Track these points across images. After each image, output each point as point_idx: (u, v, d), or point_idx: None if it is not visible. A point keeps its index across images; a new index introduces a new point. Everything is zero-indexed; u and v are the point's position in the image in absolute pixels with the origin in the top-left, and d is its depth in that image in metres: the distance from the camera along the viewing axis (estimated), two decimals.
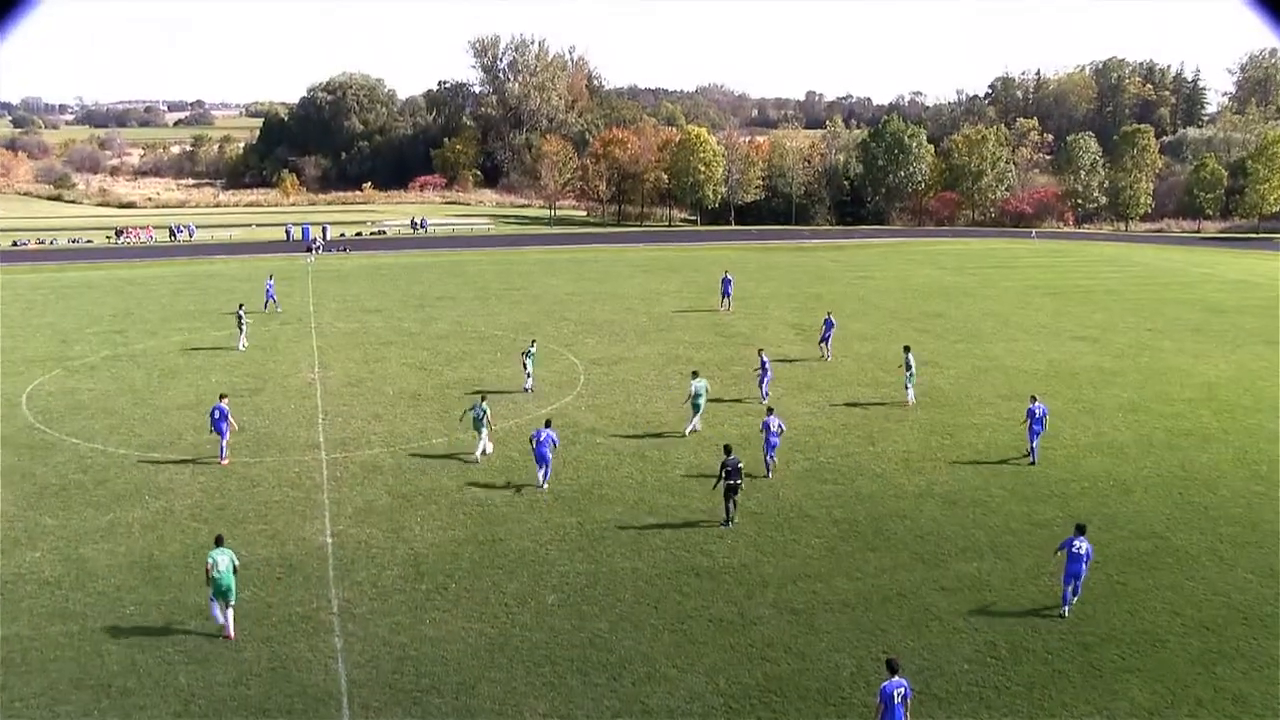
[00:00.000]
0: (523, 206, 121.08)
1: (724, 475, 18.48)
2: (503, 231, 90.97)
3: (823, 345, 33.61)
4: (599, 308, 44.04)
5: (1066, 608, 15.32)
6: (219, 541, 14.96)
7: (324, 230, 78.67)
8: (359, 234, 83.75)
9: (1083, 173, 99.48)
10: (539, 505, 19.71)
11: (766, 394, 27.56)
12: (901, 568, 16.99)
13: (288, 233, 79.23)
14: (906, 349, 28.74)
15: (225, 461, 22.08)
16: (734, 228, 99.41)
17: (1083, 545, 15.22)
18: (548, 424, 21.23)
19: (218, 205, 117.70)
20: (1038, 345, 36.40)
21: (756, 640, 14.61)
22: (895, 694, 11.60)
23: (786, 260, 65.25)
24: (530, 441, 21.05)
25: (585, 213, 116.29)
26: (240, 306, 36.48)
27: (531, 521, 18.88)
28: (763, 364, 27.97)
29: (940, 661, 14.02)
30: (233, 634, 14.44)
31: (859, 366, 32.40)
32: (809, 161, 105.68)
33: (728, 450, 19.23)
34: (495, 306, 44.35)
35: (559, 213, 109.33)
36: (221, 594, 14.48)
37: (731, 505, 18.56)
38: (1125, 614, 15.54)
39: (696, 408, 24.71)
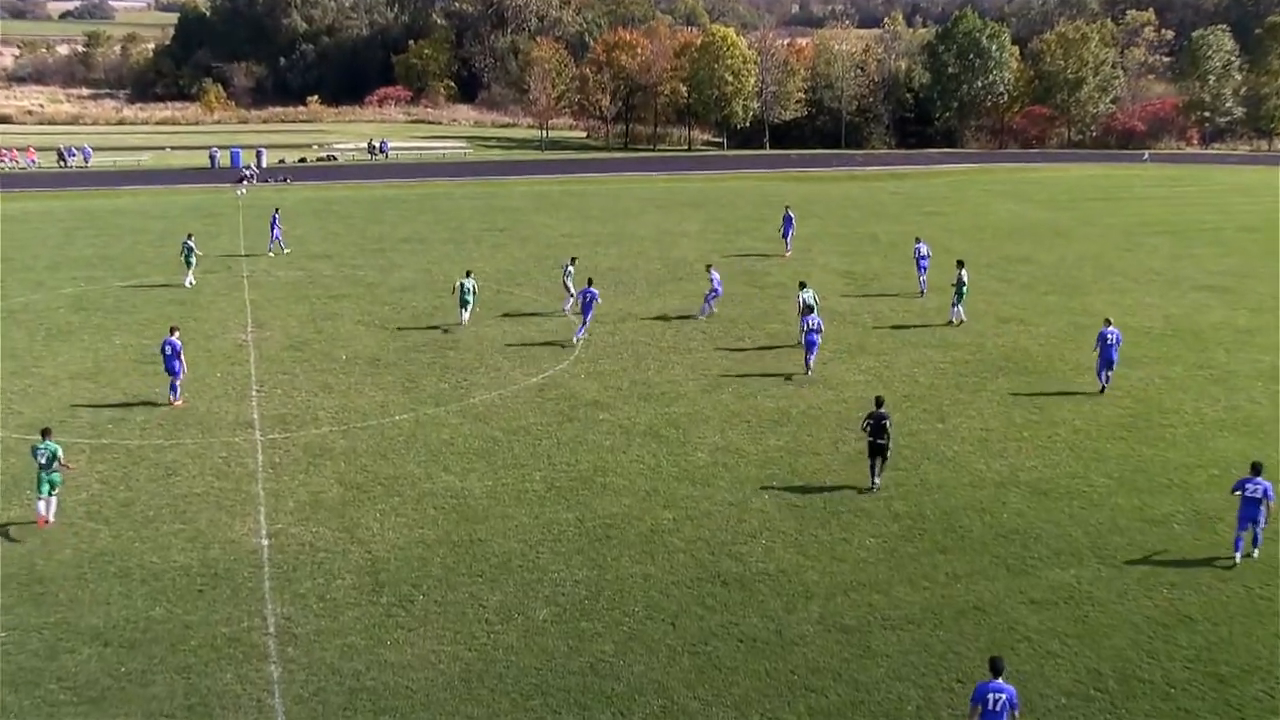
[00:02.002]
0: (507, 126, 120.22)
1: (869, 430, 19.80)
2: (482, 157, 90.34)
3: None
4: (602, 253, 43.84)
5: (1239, 554, 17.05)
6: (45, 435, 18.37)
7: (259, 155, 78.26)
8: (303, 160, 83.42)
9: (1212, 78, 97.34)
10: (527, 497, 19.60)
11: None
12: (979, 574, 16.81)
13: (212, 158, 78.90)
14: (960, 263, 31.52)
15: (179, 402, 24.18)
16: (769, 152, 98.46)
17: (1258, 487, 16.82)
18: (590, 283, 29.95)
19: (121, 123, 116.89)
20: (1151, 297, 36.16)
21: (798, 665, 14.44)
22: (993, 699, 11.45)
23: (835, 193, 64.61)
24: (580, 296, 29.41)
25: (585, 134, 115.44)
26: (189, 237, 37.69)
27: (519, 517, 18.75)
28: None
29: (1030, 694, 13.75)
30: (51, 520, 17.88)
31: (924, 324, 32.25)
32: (862, 70, 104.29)
33: (878, 402, 20.30)
34: (473, 251, 44.23)
35: (552, 134, 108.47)
36: (48, 487, 18.12)
37: (877, 465, 19.96)
38: (1271, 638, 15.24)
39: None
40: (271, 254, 42.40)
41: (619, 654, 14.66)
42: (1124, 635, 15.17)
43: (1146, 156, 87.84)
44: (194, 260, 36.92)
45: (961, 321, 32.03)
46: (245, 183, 66.91)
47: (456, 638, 15.01)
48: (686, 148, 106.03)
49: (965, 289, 31.96)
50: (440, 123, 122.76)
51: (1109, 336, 25.76)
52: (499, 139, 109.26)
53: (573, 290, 31.84)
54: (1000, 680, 11.68)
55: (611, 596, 16.09)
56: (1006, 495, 19.83)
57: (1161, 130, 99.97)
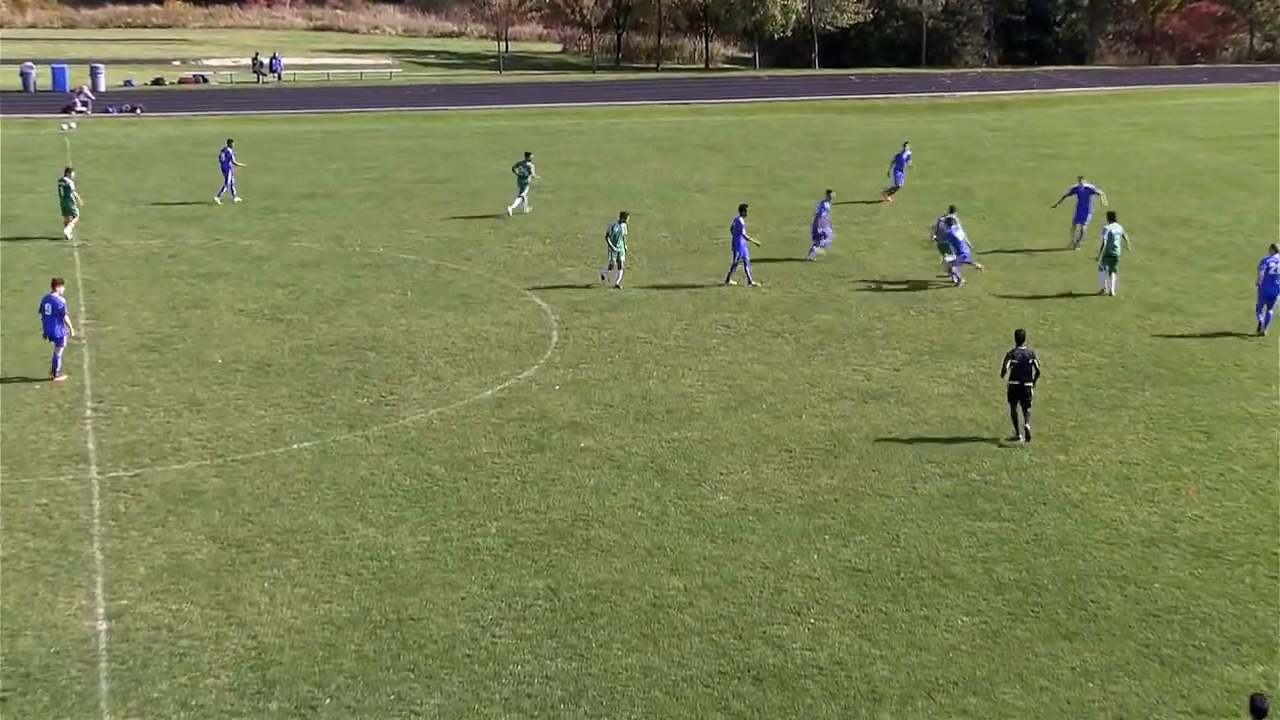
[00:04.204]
0: (451, 37, 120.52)
1: (1010, 371, 23.50)
2: (416, 79, 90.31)
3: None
4: (584, 213, 43.76)
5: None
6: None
7: (94, 75, 78.46)
8: (158, 82, 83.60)
9: None
10: (479, 558, 19.54)
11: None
12: (1121, 670, 16.73)
13: (25, 78, 78.92)
14: (1111, 215, 33.94)
15: (61, 379, 26.52)
16: (819, 72, 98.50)
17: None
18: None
19: None
20: None
21: None
22: None
23: (911, 129, 64.56)
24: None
25: (561, 48, 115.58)
26: (67, 173, 39.05)
27: (467, 586, 18.70)
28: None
29: None
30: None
31: (1038, 313, 32.32)
32: None
33: (1019, 338, 23.93)
34: (404, 210, 44.23)
35: (515, 48, 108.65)
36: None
37: (1021, 413, 23.72)
38: None
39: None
40: (219, 200, 44.81)
41: None
42: None
43: None
44: (76, 207, 39.33)
45: (1113, 295, 33.60)
46: (75, 113, 66.94)
47: None
48: (703, 67, 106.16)
49: (1119, 251, 33.49)
50: (356, 30, 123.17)
51: (1273, 265, 29.02)
52: (439, 54, 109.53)
53: (620, 251, 34.77)
54: None
55: (597, 699, 15.97)
56: (1159, 558, 19.71)
57: None
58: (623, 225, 34.71)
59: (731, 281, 34.67)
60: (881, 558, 19.63)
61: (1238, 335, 30.68)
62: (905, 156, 47.63)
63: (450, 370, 27.92)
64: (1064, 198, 40.06)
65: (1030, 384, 23.44)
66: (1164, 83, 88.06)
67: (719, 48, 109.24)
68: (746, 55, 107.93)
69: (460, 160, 54.75)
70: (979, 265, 35.65)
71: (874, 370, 28.17)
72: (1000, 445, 23.94)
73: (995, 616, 17.94)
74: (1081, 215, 39.04)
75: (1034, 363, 23.43)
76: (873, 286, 34.99)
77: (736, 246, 34.38)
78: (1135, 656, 17.02)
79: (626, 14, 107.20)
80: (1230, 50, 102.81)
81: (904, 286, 35.04)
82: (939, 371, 28.10)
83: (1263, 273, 30.23)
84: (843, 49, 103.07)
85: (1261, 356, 29.02)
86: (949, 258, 35.07)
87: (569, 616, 17.91)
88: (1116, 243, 33.41)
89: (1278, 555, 19.77)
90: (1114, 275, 33.83)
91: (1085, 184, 39.50)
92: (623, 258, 34.65)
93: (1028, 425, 23.81)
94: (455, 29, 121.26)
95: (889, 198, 46.39)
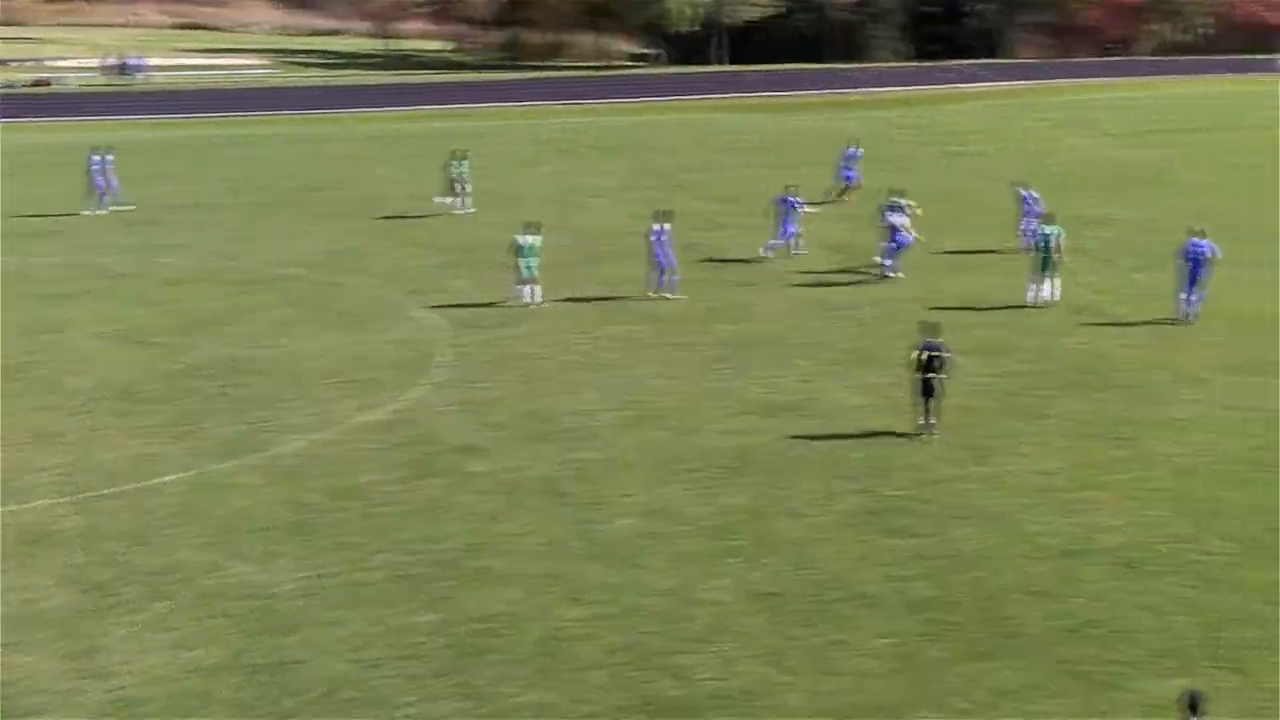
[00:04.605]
0: (330, 35, 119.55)
1: (919, 364, 24.32)
2: (294, 82, 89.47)
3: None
4: (481, 221, 43.80)
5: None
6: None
7: None
8: (8, 86, 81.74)
9: None
10: (364, 593, 19.33)
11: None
12: (1039, 688, 16.83)
13: None
14: (1049, 217, 34.17)
15: None
16: (726, 69, 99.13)
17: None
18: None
19: None
20: None
21: None
22: None
23: (818, 127, 65.31)
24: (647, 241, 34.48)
25: (450, 46, 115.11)
26: None
27: (351, 623, 18.46)
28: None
29: None
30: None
31: (955, 318, 32.28)
32: None
33: (929, 329, 24.76)
34: (285, 220, 43.95)
35: (402, 46, 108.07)
36: None
37: (930, 404, 24.49)
38: None
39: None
40: (91, 212, 44.94)
41: None
42: None
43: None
44: None
45: (1053, 302, 33.74)
46: None
47: None
48: (601, 65, 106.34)
49: (1052, 253, 33.53)
50: (224, 29, 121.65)
51: (1195, 249, 30.93)
52: (320, 54, 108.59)
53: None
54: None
55: None
56: (1079, 570, 19.86)
57: None
58: (532, 238, 33.94)
59: (652, 294, 34.59)
60: (792, 580, 19.59)
61: (1159, 338, 31.24)
62: (853, 153, 48.52)
63: (333, 392, 27.66)
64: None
65: (940, 376, 24.30)
66: (1080, 76, 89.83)
67: (618, 45, 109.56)
68: (649, 51, 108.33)
69: (345, 166, 54.31)
70: (893, 272, 36.26)
71: (782, 382, 28.31)
72: (915, 460, 24.06)
73: (911, 638, 17.99)
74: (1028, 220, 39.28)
75: (944, 355, 24.32)
76: (782, 294, 35.30)
77: (658, 254, 34.51)
78: (1054, 674, 17.12)
79: (519, 8, 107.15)
80: (1147, 43, 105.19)
81: (815, 292, 35.35)
82: (851, 381, 28.24)
83: (1184, 257, 31.54)
84: (748, 44, 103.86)
85: (1183, 359, 29.51)
86: (882, 244, 36.34)
87: (460, 653, 17.74)
88: (1049, 244, 33.54)
89: (1199, 565, 20.06)
90: (1052, 280, 33.90)
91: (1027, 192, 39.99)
92: (535, 273, 34.13)
93: (933, 420, 24.67)
94: (336, 26, 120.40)
95: (849, 198, 46.88)
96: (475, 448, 24.74)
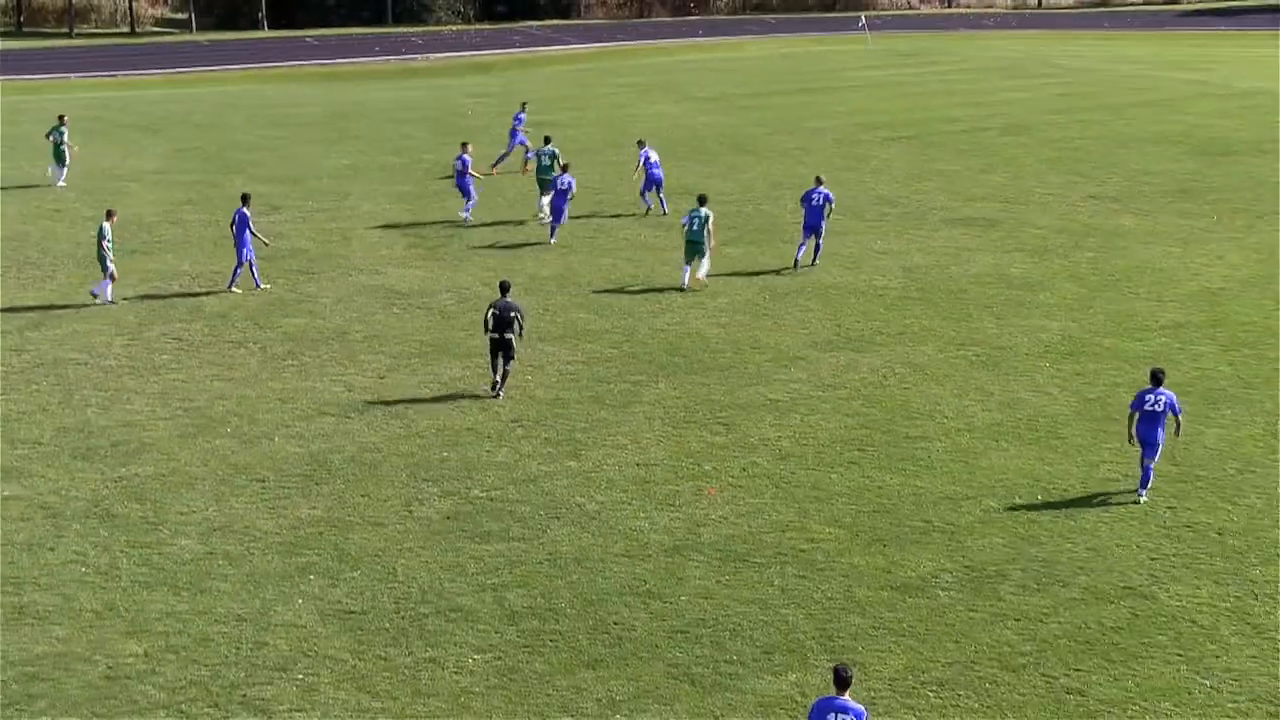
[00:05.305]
0: None
1: (490, 323, 26.22)
2: None
3: None
4: None
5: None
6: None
7: None
8: None
9: None
10: None
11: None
12: (650, 695, 16.98)
13: None
14: (702, 199, 34.53)
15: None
16: (271, 35, 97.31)
17: (1161, 398, 22.17)
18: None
19: None
20: (884, 240, 38.88)
21: None
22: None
23: (381, 97, 65.19)
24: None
25: None
26: None
27: None
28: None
29: None
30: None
31: (538, 302, 32.79)
32: None
33: (504, 288, 27.03)
34: None
35: None
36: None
37: (501, 365, 26.50)
38: None
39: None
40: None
41: None
42: None
43: (863, 24, 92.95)
44: None
45: (695, 287, 34.26)
46: None
47: None
48: (129, 30, 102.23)
49: (700, 236, 34.13)
50: None
51: (815, 198, 34.66)
52: None
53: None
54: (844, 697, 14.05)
55: None
56: (684, 567, 20.17)
57: None
58: (107, 223, 32.95)
59: (235, 289, 33.86)
60: (377, 596, 19.31)
61: (753, 315, 32.09)
62: (520, 118, 49.14)
63: None
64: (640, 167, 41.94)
65: (512, 336, 26.12)
66: (658, 37, 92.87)
67: (146, 7, 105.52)
68: (180, 16, 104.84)
69: None
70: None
71: (355, 379, 27.82)
72: (504, 458, 24.13)
73: (510, 650, 17.94)
74: (650, 185, 41.26)
75: (517, 315, 26.24)
76: (348, 281, 34.89)
77: (241, 244, 33.49)
78: (664, 679, 17.34)
79: None
80: (725, 2, 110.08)
81: (381, 280, 34.95)
82: (430, 376, 28.03)
83: (806, 205, 34.77)
84: (295, 7, 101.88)
85: (779, 337, 30.45)
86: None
87: (1, 703, 16.64)
88: (696, 226, 33.55)
89: (805, 553, 20.69)
90: (702, 261, 33.97)
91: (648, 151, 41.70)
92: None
93: (501, 387, 26.60)
94: None
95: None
96: (7, 469, 23.62)
